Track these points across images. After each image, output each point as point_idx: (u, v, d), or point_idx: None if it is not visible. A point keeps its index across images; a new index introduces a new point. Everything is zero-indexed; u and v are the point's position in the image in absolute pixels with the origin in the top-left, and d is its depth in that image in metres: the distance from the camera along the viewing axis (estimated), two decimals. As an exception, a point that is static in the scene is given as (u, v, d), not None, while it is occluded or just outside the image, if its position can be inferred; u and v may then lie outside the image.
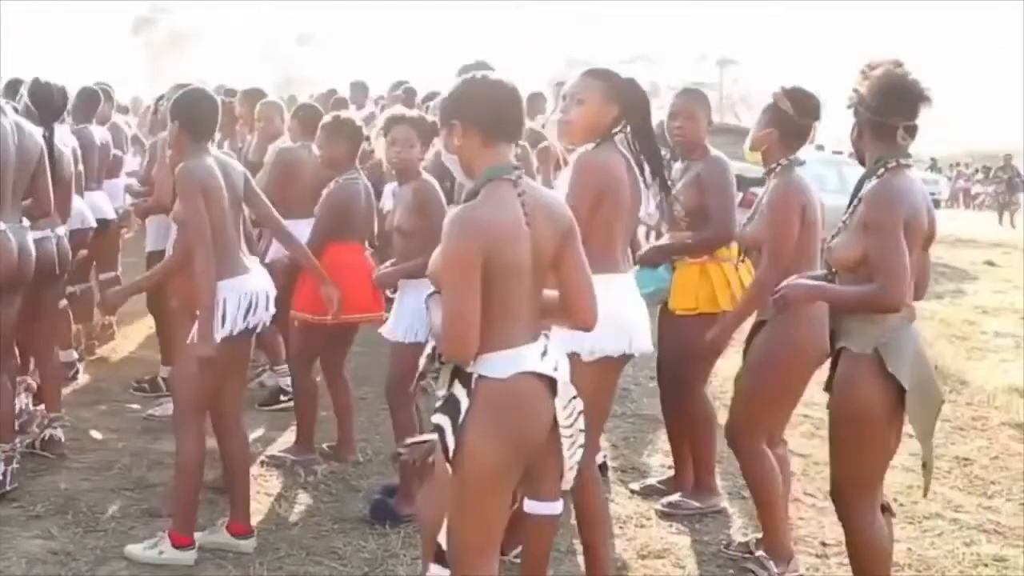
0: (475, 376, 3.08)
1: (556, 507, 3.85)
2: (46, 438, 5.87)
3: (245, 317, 4.61)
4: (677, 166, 5.55)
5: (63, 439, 5.94)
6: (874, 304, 3.76)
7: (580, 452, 3.39)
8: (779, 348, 4.58)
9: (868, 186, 3.83)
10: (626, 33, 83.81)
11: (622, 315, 4.02)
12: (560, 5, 78.35)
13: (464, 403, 3.08)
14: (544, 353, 3.19)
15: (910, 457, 5.50)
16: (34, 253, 5.37)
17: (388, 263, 5.47)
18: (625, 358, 4.16)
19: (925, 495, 4.26)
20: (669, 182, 4.55)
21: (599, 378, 4.04)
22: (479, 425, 3.06)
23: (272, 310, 4.80)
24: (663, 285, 5.38)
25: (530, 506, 3.94)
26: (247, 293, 4.63)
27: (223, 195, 4.62)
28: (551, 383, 3.19)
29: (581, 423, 3.33)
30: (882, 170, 3.81)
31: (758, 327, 4.68)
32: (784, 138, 4.74)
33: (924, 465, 3.98)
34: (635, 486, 5.80)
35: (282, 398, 6.91)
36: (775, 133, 4.74)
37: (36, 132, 5.48)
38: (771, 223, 4.66)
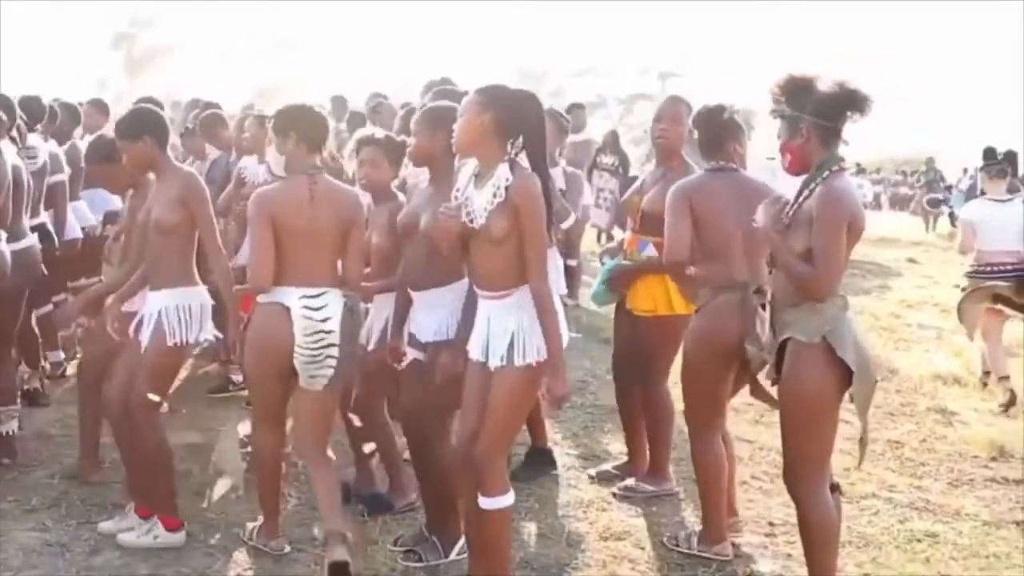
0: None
1: (508, 500, 3.99)
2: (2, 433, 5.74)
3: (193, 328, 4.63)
4: (649, 168, 5.56)
5: (16, 436, 5.80)
6: (806, 283, 3.86)
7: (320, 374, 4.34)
8: (690, 341, 4.72)
9: (817, 188, 3.89)
10: (576, 45, 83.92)
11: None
12: (512, 16, 78.22)
13: None
14: (310, 296, 4.31)
15: (845, 441, 5.53)
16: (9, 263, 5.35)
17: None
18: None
19: (859, 466, 4.31)
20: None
21: (535, 380, 3.94)
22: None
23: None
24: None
25: (486, 502, 3.99)
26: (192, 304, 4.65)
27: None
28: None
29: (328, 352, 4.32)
30: (827, 173, 3.89)
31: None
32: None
33: (861, 440, 4.05)
34: (592, 471, 5.80)
35: (231, 387, 7.00)
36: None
37: (9, 148, 5.48)
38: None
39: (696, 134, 4.95)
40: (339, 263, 4.49)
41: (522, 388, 3.92)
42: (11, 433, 5.62)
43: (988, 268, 7.81)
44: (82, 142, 7.85)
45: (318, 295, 4.36)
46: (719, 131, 4.84)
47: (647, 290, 5.31)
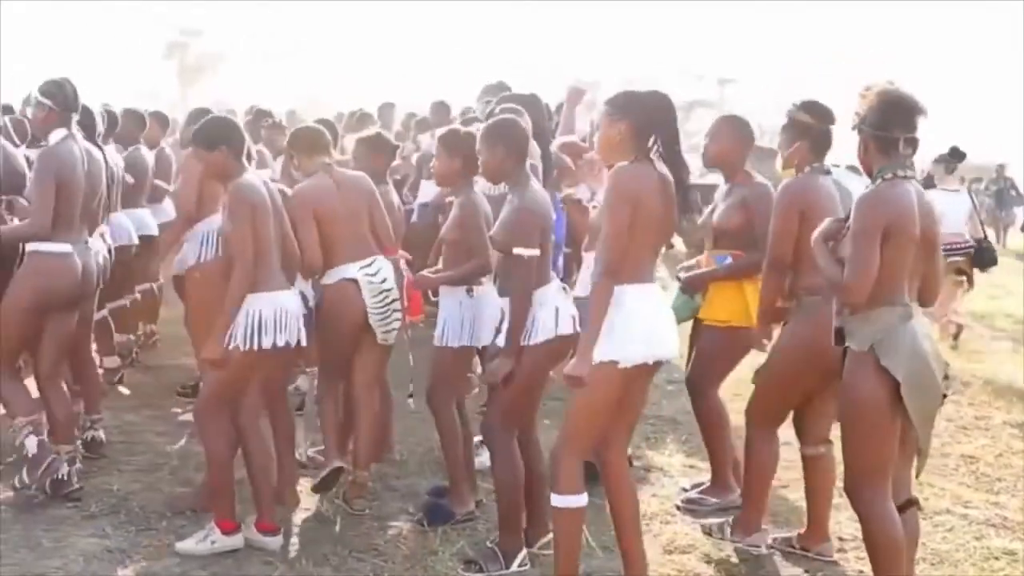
0: None
1: (578, 500, 4.09)
2: (88, 439, 5.90)
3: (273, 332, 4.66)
4: (711, 178, 5.56)
5: (104, 440, 5.97)
6: (835, 288, 3.91)
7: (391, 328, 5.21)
8: (788, 345, 4.72)
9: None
10: (629, 54, 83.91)
11: (653, 324, 4.04)
12: (565, 27, 78.31)
13: None
14: (366, 266, 5.19)
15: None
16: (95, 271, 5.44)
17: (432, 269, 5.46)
18: (656, 366, 4.14)
19: (917, 476, 4.26)
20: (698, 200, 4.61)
21: (630, 383, 4.05)
22: None
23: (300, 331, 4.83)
24: (697, 302, 5.40)
25: (555, 500, 4.08)
26: (279, 308, 4.70)
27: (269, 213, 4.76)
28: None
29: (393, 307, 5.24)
30: (879, 180, 3.87)
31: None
32: (813, 148, 4.81)
33: (919, 452, 4.00)
34: (686, 484, 5.79)
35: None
36: (804, 145, 4.79)
37: (100, 155, 5.56)
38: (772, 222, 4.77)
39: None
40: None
41: (591, 388, 3.93)
42: (64, 478, 5.26)
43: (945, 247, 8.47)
44: (144, 151, 8.00)
45: (371, 263, 5.25)
46: (830, 123, 4.83)
47: (724, 300, 5.28)
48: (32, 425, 5.27)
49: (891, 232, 3.80)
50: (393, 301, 5.24)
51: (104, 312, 7.09)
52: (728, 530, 4.96)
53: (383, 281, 5.21)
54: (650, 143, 4.04)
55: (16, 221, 5.61)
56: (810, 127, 4.81)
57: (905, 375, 3.78)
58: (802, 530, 4.97)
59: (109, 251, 5.79)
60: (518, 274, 4.47)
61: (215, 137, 4.74)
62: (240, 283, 4.57)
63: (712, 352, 5.38)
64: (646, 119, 4.04)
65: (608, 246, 3.91)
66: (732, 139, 5.34)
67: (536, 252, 4.46)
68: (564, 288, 4.66)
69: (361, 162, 5.85)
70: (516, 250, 4.44)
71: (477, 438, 5.61)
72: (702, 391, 5.44)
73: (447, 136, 5.24)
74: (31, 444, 5.24)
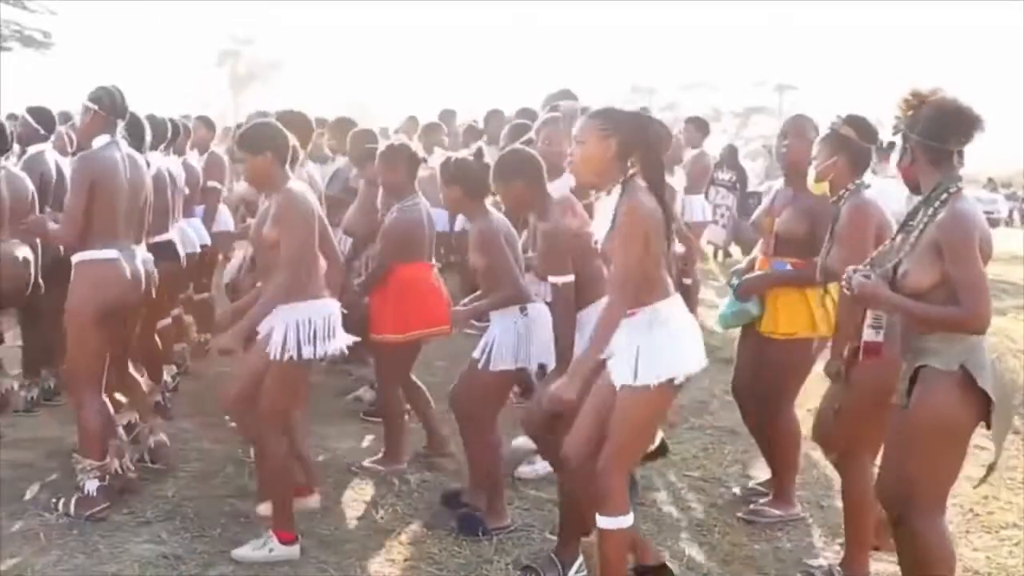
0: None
1: (627, 520, 4.06)
2: (152, 446, 5.94)
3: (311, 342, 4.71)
4: (771, 184, 5.50)
5: (167, 443, 6.03)
6: (961, 325, 3.69)
7: None
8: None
9: (938, 213, 3.76)
10: (687, 59, 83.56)
11: (693, 335, 4.10)
12: (622, 32, 78.41)
13: None
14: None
15: (982, 468, 5.40)
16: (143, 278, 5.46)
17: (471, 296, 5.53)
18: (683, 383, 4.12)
19: (976, 487, 4.21)
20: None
21: (657, 401, 4.05)
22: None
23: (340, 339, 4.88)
24: (751, 311, 5.31)
25: (603, 522, 4.06)
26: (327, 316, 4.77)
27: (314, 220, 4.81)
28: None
29: None
30: (945, 195, 3.77)
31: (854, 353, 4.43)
32: (851, 164, 4.74)
33: (991, 467, 3.95)
34: (737, 490, 5.79)
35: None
36: (841, 161, 4.73)
37: (143, 162, 5.59)
38: (848, 247, 4.60)
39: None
40: None
41: (640, 409, 3.98)
42: (92, 493, 5.22)
43: None
44: (194, 156, 8.14)
45: None
46: (872, 141, 4.77)
47: (789, 312, 5.22)
48: (100, 471, 5.26)
49: (980, 250, 3.71)
50: None
51: (167, 320, 7.23)
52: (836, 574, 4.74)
53: None
54: (629, 164, 4.00)
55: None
56: (851, 143, 4.71)
57: (995, 393, 3.72)
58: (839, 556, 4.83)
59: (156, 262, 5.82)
60: (556, 300, 4.59)
61: (261, 142, 4.79)
62: (283, 289, 4.62)
63: (783, 366, 5.30)
64: (634, 138, 3.99)
65: (625, 278, 3.92)
66: (808, 138, 5.21)
67: (570, 278, 4.53)
68: None
69: (382, 177, 6.07)
70: (551, 279, 4.56)
71: (531, 446, 5.66)
72: (778, 408, 5.39)
73: (443, 168, 5.22)
74: (91, 486, 5.22)
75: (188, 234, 7.31)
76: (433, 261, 6.12)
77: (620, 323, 3.92)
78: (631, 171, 3.99)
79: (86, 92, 5.36)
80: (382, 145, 6.33)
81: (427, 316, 5.80)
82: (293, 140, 4.92)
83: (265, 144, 4.78)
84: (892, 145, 8.62)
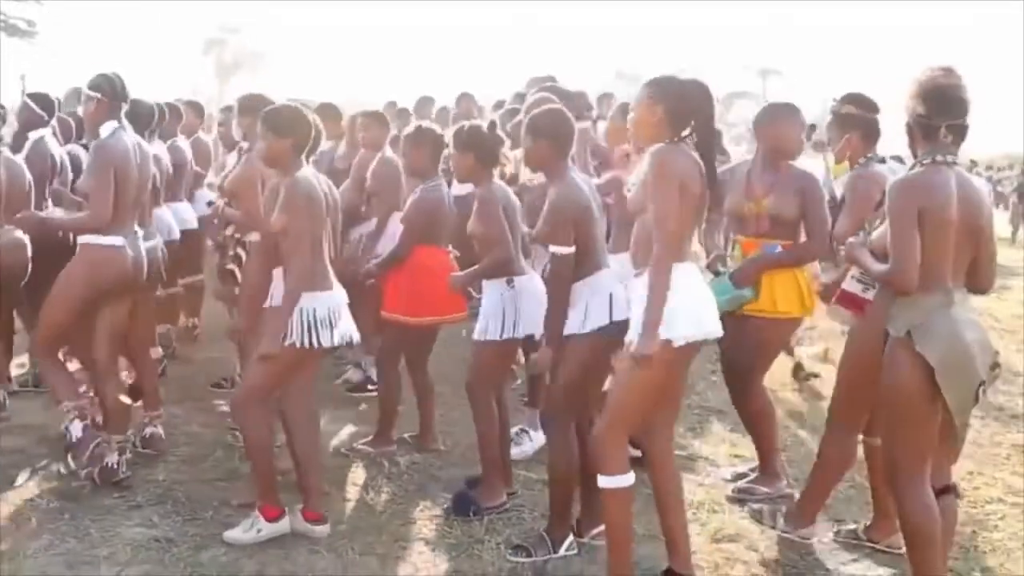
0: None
1: (626, 480, 4.15)
2: (146, 435, 5.99)
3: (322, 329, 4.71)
4: (730, 166, 5.54)
5: (163, 436, 6.07)
6: (889, 283, 3.95)
7: None
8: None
9: None
10: (671, 45, 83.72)
11: (700, 302, 4.10)
12: (608, 20, 78.51)
13: None
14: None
15: (969, 444, 5.45)
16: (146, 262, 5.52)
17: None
18: (698, 345, 4.17)
19: (952, 464, 4.26)
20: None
21: (678, 363, 4.11)
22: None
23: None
24: (746, 295, 5.26)
25: (603, 481, 4.14)
26: (333, 307, 4.77)
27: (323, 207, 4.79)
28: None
29: None
30: (916, 166, 3.92)
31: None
32: (863, 138, 4.88)
33: (953, 439, 3.96)
34: (727, 475, 5.82)
35: (369, 387, 7.13)
36: (854, 137, 4.81)
37: (148, 148, 5.64)
38: (851, 216, 4.71)
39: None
40: None
41: (637, 370, 3.99)
42: (114, 466, 5.38)
43: None
44: (182, 141, 8.13)
45: None
46: (875, 111, 4.88)
47: (782, 291, 5.25)
48: (77, 409, 5.41)
49: (925, 216, 3.81)
50: None
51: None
52: (781, 519, 4.97)
53: None
54: (686, 131, 4.08)
55: (60, 212, 5.70)
56: (857, 118, 4.86)
57: (940, 361, 3.79)
58: (868, 522, 4.94)
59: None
60: (554, 269, 4.57)
61: (286, 127, 4.77)
62: (299, 280, 4.62)
63: (760, 343, 5.35)
64: (685, 106, 4.07)
65: (663, 226, 3.95)
66: (790, 124, 5.31)
67: (570, 250, 4.52)
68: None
69: (407, 159, 6.06)
70: (551, 248, 4.56)
71: (515, 428, 5.69)
72: (750, 382, 5.46)
73: (456, 134, 5.26)
74: (76, 428, 5.38)
75: (166, 220, 7.25)
76: (450, 248, 6.11)
77: (672, 273, 3.95)
78: (684, 134, 4.08)
79: (74, 81, 5.41)
80: (410, 127, 6.30)
81: (442, 303, 5.77)
82: (316, 132, 4.87)
83: (289, 130, 4.76)
84: (813, 127, 9.03)
